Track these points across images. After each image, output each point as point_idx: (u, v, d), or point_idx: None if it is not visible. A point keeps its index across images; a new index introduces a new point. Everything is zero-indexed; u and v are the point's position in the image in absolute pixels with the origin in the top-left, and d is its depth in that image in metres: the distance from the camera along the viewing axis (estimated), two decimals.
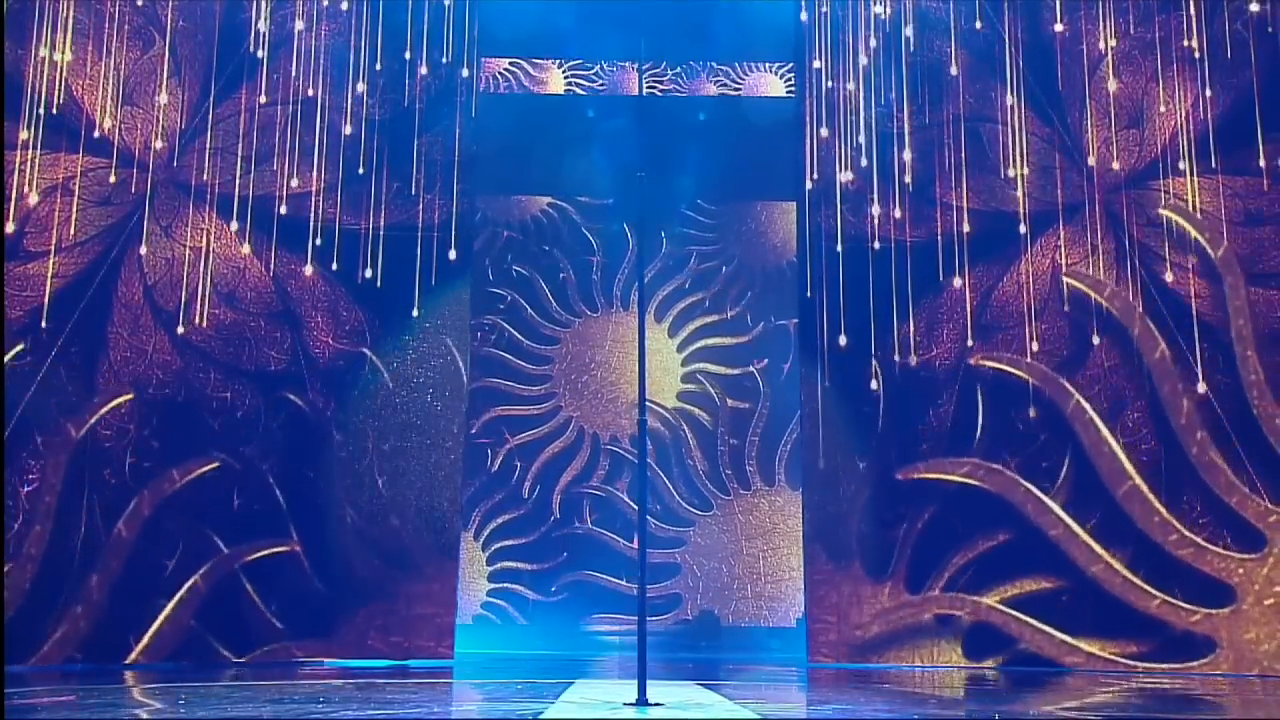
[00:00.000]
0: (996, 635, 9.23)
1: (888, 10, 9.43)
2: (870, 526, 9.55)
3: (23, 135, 8.58)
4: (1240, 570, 8.82)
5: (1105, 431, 9.27)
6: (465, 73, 9.80)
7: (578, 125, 12.10)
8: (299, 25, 9.30)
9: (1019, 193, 9.43)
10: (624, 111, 11.93)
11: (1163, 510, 9.04)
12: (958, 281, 9.50)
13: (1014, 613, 9.20)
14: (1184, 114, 9.33)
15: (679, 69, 12.47)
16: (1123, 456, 9.20)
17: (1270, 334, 9.08)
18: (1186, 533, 8.96)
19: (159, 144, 9.23)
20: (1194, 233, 9.31)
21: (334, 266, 9.45)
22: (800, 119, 10.08)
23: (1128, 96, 9.57)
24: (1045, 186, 9.62)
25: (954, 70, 9.55)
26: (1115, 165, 9.50)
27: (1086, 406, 9.32)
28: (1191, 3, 9.08)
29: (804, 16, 9.89)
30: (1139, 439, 9.23)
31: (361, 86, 9.39)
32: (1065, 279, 9.57)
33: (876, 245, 9.53)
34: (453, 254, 9.55)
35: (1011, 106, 9.47)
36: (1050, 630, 9.12)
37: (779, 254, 12.78)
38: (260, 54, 9.15)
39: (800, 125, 10.06)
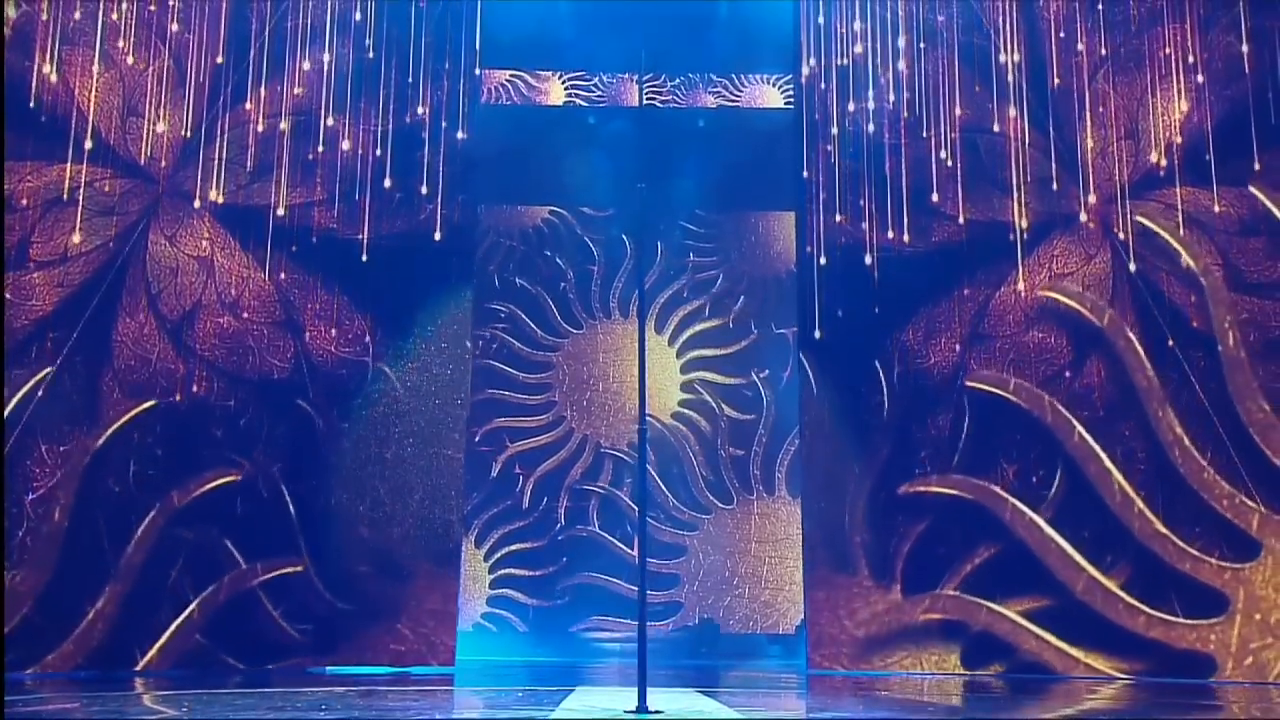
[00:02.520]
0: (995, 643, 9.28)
1: (889, 73, 9.52)
2: (870, 534, 9.61)
3: (26, 144, 8.66)
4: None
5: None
6: (466, 84, 9.88)
7: (578, 135, 12.17)
8: (305, 65, 9.40)
9: (1017, 238, 9.50)
10: (624, 123, 12.01)
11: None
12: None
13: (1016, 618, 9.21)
14: (1177, 126, 9.39)
15: (678, 80, 12.55)
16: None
17: (1264, 346, 9.03)
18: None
19: (164, 154, 9.32)
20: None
21: (337, 276, 9.53)
22: (798, 130, 10.16)
23: (1123, 109, 9.64)
24: (1042, 198, 9.70)
25: (951, 81, 9.64)
26: (1111, 177, 9.56)
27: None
28: (1187, 16, 9.17)
29: (807, 55, 9.95)
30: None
31: (364, 97, 9.45)
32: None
33: (874, 257, 9.61)
34: (451, 302, 9.79)
35: (1011, 118, 9.55)
36: None
37: (778, 263, 12.85)
38: (264, 62, 9.24)
39: (798, 136, 10.14)
